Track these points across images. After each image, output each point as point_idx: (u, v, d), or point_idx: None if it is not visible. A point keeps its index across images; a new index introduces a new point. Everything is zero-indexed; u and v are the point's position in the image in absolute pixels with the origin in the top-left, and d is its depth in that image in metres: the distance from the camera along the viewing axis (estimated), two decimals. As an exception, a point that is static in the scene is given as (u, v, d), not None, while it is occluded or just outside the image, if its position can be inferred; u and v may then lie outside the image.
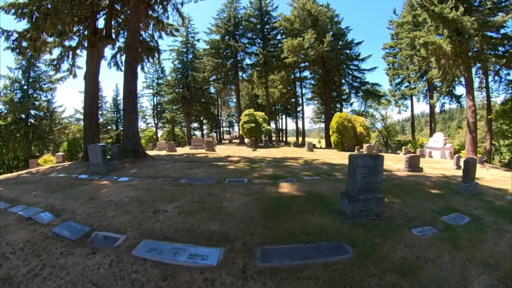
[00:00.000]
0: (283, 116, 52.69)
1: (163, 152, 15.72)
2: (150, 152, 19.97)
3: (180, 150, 17.80)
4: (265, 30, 34.07)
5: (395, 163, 12.09)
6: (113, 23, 16.31)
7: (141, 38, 14.17)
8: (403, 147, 22.38)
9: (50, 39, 15.57)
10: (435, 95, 33.76)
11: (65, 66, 17.39)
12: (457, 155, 11.66)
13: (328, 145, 31.51)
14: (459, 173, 8.40)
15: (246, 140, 31.33)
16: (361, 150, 18.16)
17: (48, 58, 17.11)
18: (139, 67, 17.50)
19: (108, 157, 10.89)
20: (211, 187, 6.20)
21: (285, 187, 6.27)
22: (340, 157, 14.53)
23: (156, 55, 16.48)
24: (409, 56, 36.26)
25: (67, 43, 16.51)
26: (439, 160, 17.87)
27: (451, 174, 9.37)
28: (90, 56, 13.63)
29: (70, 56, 16.58)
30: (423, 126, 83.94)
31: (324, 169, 9.24)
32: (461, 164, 9.53)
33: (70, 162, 13.84)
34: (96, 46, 13.75)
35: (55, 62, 16.62)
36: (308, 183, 6.86)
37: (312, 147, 16.91)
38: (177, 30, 17.70)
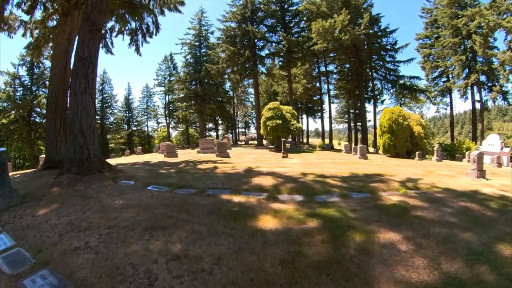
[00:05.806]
0: (304, 116, 48.13)
1: (159, 157, 11.90)
2: (146, 156, 16.18)
3: (184, 155, 13.90)
4: (286, 18, 29.80)
5: (503, 183, 7.07)
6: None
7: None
8: (466, 153, 17.38)
9: (26, 18, 12.52)
10: (495, 88, 28.06)
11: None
12: None
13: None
14: None
15: (265, 142, 27.10)
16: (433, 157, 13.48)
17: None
18: (133, 48, 13.99)
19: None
20: None
21: None
22: (423, 170, 8.89)
23: (152, 26, 12.70)
24: (452, 45, 30.95)
25: (51, 23, 13.47)
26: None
27: None
28: (61, 28, 10.11)
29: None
30: (447, 128, 76.54)
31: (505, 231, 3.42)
32: None
33: (29, 171, 10.32)
34: (70, 14, 10.20)
35: (31, 46, 13.53)
36: None
37: (365, 152, 12.14)
38: (182, 3, 13.99)
